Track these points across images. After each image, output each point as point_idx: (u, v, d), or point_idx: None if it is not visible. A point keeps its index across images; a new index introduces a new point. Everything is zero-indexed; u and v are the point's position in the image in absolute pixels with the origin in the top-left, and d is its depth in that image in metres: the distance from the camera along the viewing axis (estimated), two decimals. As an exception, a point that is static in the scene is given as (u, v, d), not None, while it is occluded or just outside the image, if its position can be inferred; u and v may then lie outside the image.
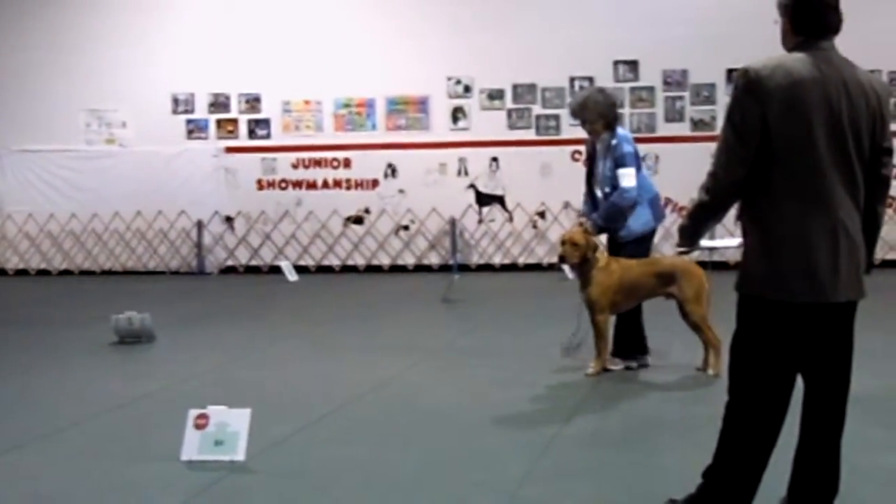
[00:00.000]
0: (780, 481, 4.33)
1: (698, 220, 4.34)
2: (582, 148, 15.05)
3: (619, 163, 7.73)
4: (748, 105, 4.00)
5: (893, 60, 14.12)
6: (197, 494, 5.13)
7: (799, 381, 4.23)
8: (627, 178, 7.70)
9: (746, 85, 4.01)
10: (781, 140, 3.98)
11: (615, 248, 7.99)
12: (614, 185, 7.77)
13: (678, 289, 7.71)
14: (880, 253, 13.20)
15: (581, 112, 7.85)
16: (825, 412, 4.24)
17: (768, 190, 4.04)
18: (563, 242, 7.76)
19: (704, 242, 5.35)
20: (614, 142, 7.78)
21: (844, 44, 4.21)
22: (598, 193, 7.97)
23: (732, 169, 4.05)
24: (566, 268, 10.27)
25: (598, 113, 7.77)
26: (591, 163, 8.05)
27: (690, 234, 4.44)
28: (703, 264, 8.41)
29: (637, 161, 7.88)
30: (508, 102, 15.51)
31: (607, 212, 7.82)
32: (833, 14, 4.14)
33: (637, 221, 7.88)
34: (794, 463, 4.32)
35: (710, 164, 4.16)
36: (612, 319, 7.91)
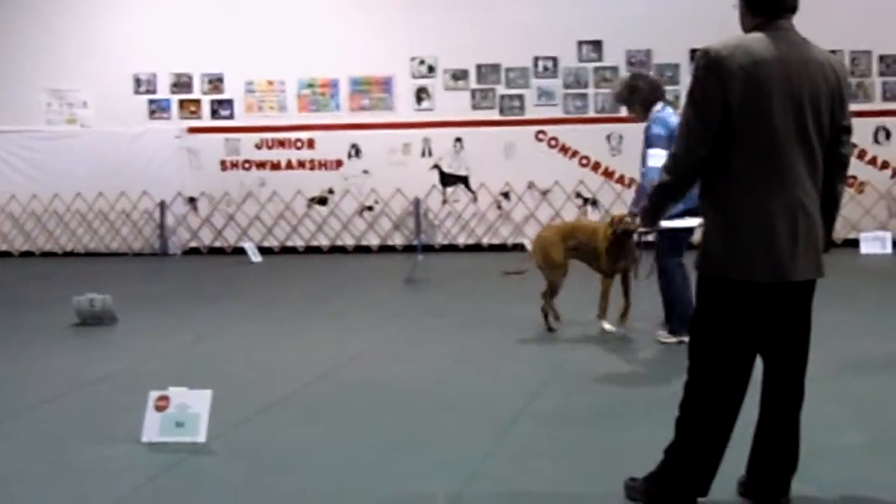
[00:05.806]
0: (740, 460, 4.36)
1: (659, 201, 4.37)
2: (546, 128, 15.23)
3: (648, 143, 7.65)
4: (709, 85, 4.01)
5: (853, 41, 14.18)
6: (158, 476, 5.11)
7: (758, 360, 4.27)
8: (652, 158, 7.45)
9: (707, 65, 4.02)
10: (742, 120, 3.99)
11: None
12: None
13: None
14: (842, 232, 13.30)
15: (627, 97, 7.99)
16: (784, 390, 4.28)
17: (728, 170, 4.06)
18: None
19: (664, 223, 5.38)
20: (649, 123, 7.75)
21: (805, 24, 4.23)
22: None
23: (693, 149, 4.08)
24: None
25: (641, 98, 7.85)
26: None
27: (651, 214, 4.47)
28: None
29: (671, 143, 7.82)
30: (472, 83, 15.47)
31: (638, 194, 7.94)
32: None
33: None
34: (754, 440, 4.36)
35: (673, 145, 4.18)
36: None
